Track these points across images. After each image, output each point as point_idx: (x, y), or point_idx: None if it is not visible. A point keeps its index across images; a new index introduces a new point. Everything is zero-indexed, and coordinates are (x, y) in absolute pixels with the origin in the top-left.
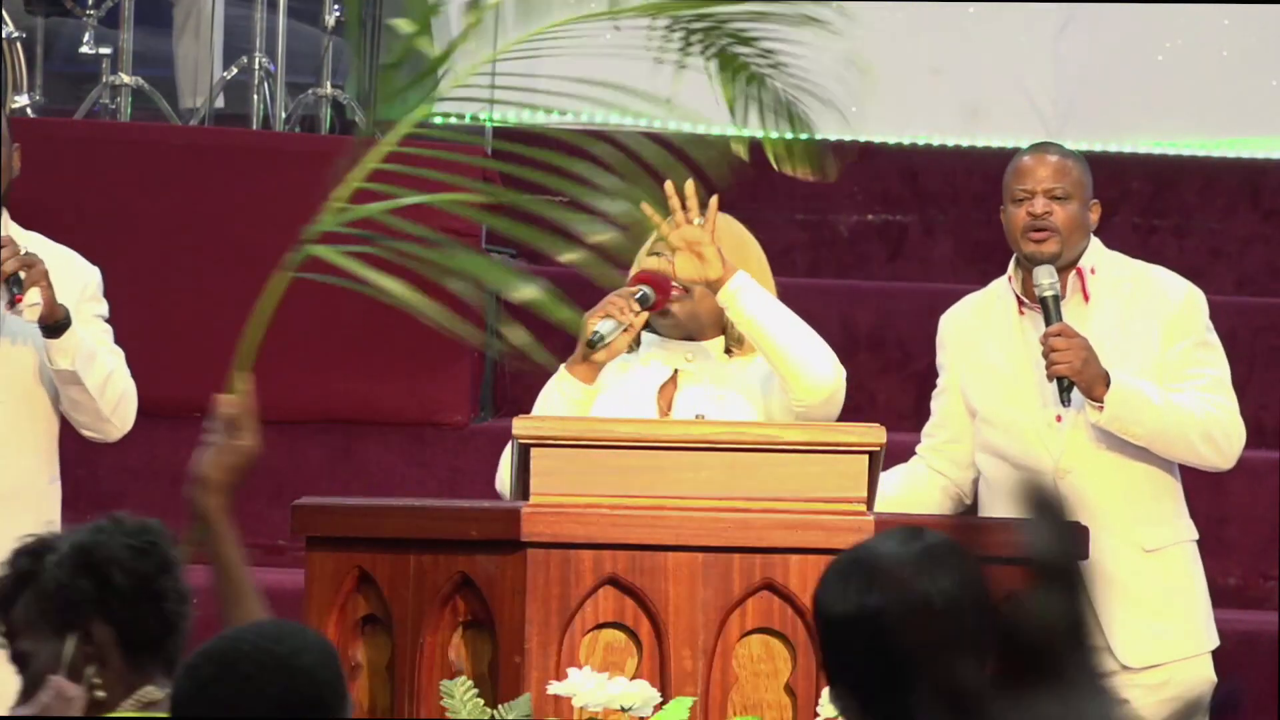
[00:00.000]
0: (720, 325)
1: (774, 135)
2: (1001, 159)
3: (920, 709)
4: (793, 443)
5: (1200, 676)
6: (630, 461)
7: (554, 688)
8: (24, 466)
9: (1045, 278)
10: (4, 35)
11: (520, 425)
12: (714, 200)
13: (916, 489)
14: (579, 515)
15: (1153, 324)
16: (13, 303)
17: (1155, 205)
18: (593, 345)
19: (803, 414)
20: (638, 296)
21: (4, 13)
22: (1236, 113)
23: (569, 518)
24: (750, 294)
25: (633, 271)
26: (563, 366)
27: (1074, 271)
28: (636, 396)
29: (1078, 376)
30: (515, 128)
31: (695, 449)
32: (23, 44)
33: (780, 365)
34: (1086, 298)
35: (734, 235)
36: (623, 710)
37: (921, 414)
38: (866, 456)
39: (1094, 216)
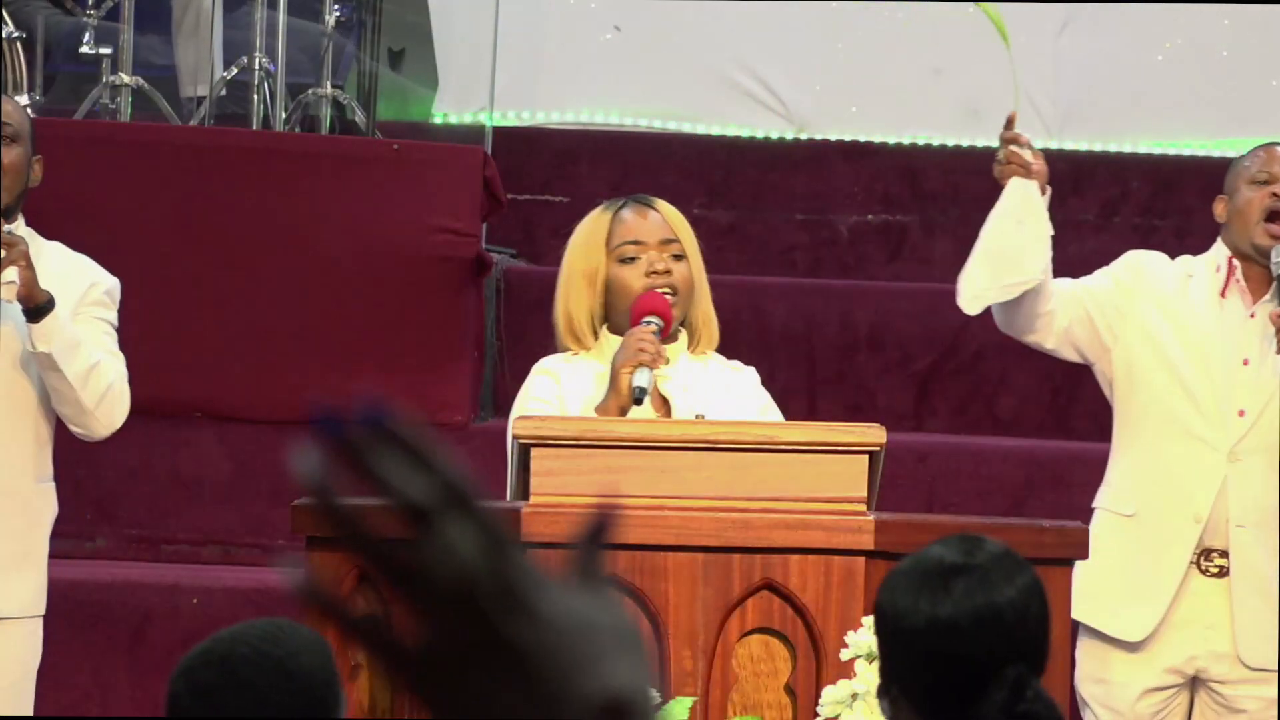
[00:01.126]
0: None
1: None
2: None
3: (984, 717)
4: (793, 443)
5: None
6: (630, 461)
7: None
8: (13, 463)
9: None
10: (4, 35)
11: (520, 425)
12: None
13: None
14: (579, 515)
15: None
16: None
17: (1155, 205)
18: (639, 402)
19: None
20: (655, 333)
21: (4, 13)
22: (1236, 113)
23: (569, 518)
24: None
25: (588, 271)
26: (595, 410)
27: None
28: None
29: None
30: (515, 128)
31: (695, 449)
32: (23, 44)
33: None
34: None
35: (682, 218)
36: None
37: (922, 414)
38: (866, 456)
39: None
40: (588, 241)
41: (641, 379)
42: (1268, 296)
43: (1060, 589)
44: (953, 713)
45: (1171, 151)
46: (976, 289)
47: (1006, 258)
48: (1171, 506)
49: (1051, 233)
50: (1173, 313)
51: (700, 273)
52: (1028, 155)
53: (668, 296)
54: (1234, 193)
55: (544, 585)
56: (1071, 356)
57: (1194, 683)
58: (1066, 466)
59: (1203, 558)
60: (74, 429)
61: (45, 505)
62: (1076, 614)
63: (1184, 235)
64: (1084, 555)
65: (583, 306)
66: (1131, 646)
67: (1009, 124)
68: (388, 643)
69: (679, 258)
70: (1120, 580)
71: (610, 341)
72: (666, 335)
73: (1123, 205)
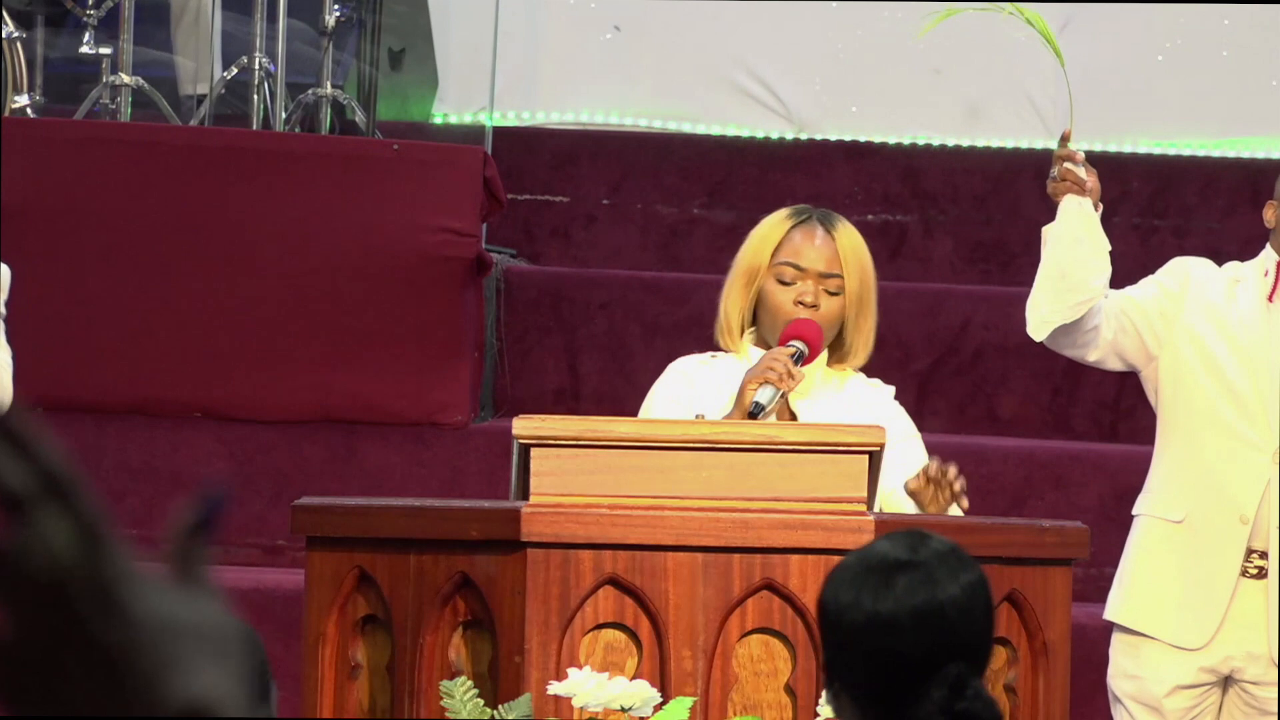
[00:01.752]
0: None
1: None
2: (1001, 159)
3: (923, 715)
4: (793, 443)
5: None
6: (630, 461)
7: (554, 688)
8: None
9: None
10: (4, 35)
11: (520, 425)
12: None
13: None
14: (579, 515)
15: None
16: None
17: (1155, 205)
18: (754, 417)
19: None
20: (794, 356)
21: (4, 13)
22: (1236, 113)
23: (569, 518)
24: None
25: (748, 270)
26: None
27: None
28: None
29: None
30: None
31: (695, 449)
32: (23, 44)
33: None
34: None
35: (862, 250)
36: (623, 710)
37: (922, 414)
38: (866, 456)
39: None
40: (760, 244)
41: (763, 395)
42: None
43: (1060, 589)
44: (892, 710)
45: (1171, 151)
46: (1043, 313)
47: (1070, 278)
48: (1219, 510)
49: (1109, 247)
50: (1219, 317)
51: (865, 297)
52: (1082, 172)
53: (821, 332)
54: None
55: (139, 582)
56: (1116, 366)
57: (1226, 681)
58: (1066, 466)
59: (1244, 559)
60: None
61: None
62: (1130, 622)
63: (1184, 235)
64: (1084, 555)
65: (736, 306)
66: (1169, 644)
67: (1063, 140)
68: None
69: (834, 294)
70: (1176, 586)
71: (750, 350)
72: (808, 363)
73: (1123, 205)
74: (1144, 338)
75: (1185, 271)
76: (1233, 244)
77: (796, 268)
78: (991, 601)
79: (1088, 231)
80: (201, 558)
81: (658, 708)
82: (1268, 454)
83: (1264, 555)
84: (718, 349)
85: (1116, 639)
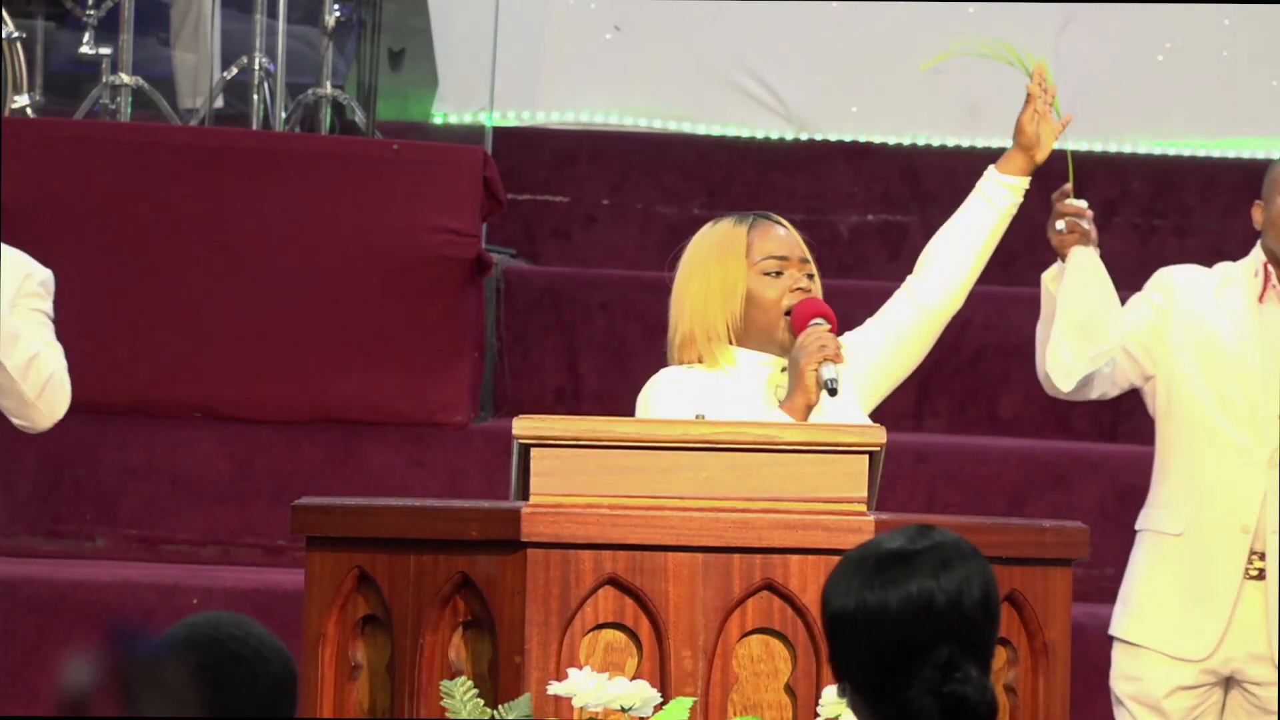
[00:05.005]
0: None
1: None
2: None
3: (917, 705)
4: (793, 443)
5: None
6: (630, 461)
7: (554, 688)
8: None
9: None
10: (4, 35)
11: (520, 425)
12: (1068, 118)
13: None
14: (579, 515)
15: None
16: None
17: (1155, 205)
18: (834, 393)
19: (930, 317)
20: (828, 330)
21: (4, 13)
22: (1236, 113)
23: (569, 518)
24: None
25: (730, 282)
26: (780, 408)
27: None
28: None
29: None
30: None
31: (695, 449)
32: (23, 44)
33: (978, 262)
34: None
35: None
36: (623, 710)
37: (922, 414)
38: (866, 456)
39: None
40: (725, 253)
41: (829, 372)
42: None
43: (1061, 589)
44: (889, 701)
45: (1171, 151)
46: (1067, 364)
47: (1089, 328)
48: (1218, 521)
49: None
50: (1207, 326)
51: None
52: (1086, 224)
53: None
54: (1269, 200)
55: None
56: (1118, 391)
57: (1228, 681)
58: (1066, 466)
59: (1246, 561)
60: (16, 421)
61: None
62: (1133, 636)
63: (1184, 235)
64: (1084, 555)
65: (721, 318)
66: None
67: (1064, 195)
68: None
69: (810, 277)
70: (1177, 600)
71: (744, 356)
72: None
73: (1123, 205)
74: (1139, 360)
75: (1169, 283)
76: (1233, 244)
77: (780, 259)
78: (992, 593)
79: (1100, 282)
80: (146, 675)
81: (658, 708)
82: (1262, 460)
83: (1263, 556)
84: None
85: (1118, 645)
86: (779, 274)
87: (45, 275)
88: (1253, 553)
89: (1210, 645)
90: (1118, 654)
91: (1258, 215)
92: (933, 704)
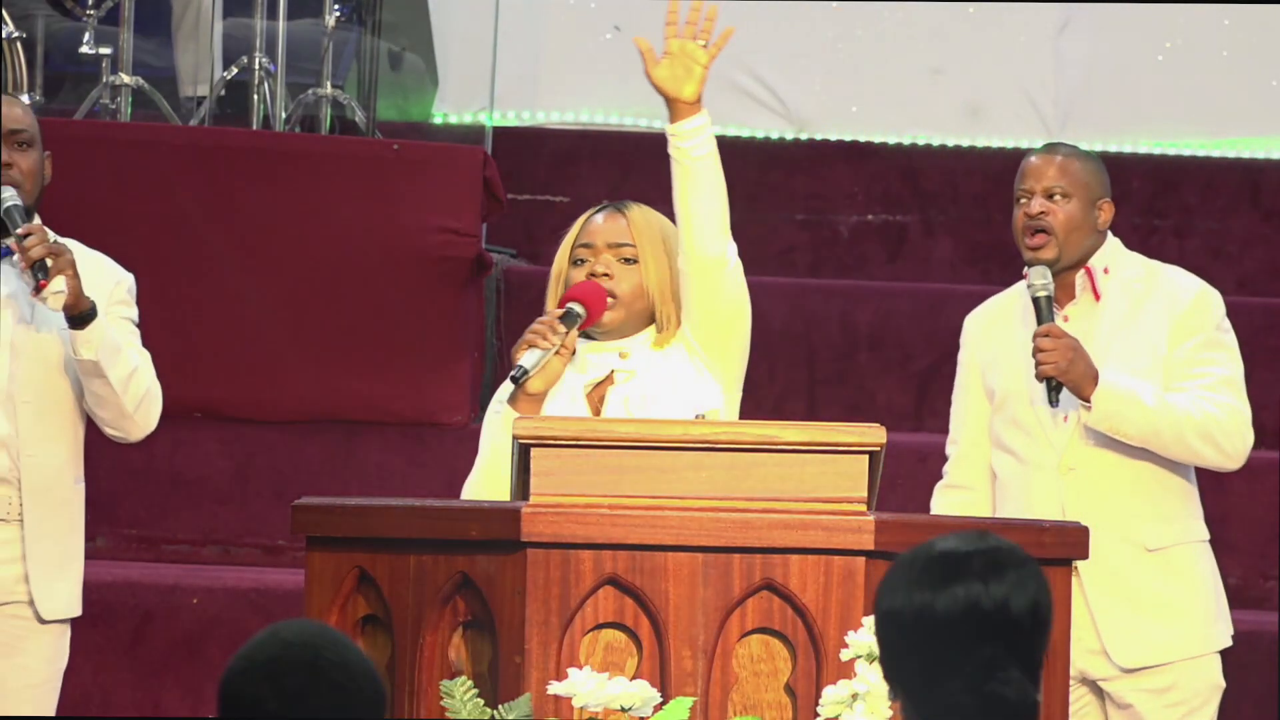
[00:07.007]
0: (649, 316)
1: None
2: (1001, 159)
3: (956, 702)
4: (793, 443)
5: (1206, 680)
6: (630, 461)
7: (554, 688)
8: (53, 464)
9: (1039, 278)
10: (4, 35)
11: (520, 425)
12: (728, 31)
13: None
14: (579, 515)
15: (1161, 322)
16: (37, 289)
17: (1155, 205)
18: (516, 381)
19: (691, 275)
20: (562, 317)
21: (4, 13)
22: (1236, 113)
23: (569, 518)
24: (710, 137)
25: (556, 272)
26: (505, 404)
27: (1083, 270)
28: (566, 401)
29: (1064, 376)
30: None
31: (695, 449)
32: (23, 44)
33: (689, 213)
34: (1097, 296)
35: (656, 224)
36: (623, 710)
37: (922, 414)
38: (866, 456)
39: (1104, 216)
40: (563, 245)
41: (528, 360)
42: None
43: (1060, 589)
44: (931, 702)
45: (1171, 151)
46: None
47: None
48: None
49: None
50: (998, 355)
51: (667, 265)
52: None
53: (607, 297)
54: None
55: None
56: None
57: (1100, 693)
58: None
59: None
60: (109, 431)
61: (80, 506)
62: None
63: (1184, 235)
64: (1084, 555)
65: (551, 307)
66: None
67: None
68: None
69: (630, 261)
70: None
71: (581, 344)
72: (589, 325)
73: (1123, 205)
74: (983, 417)
75: (963, 337)
76: (1232, 244)
77: (586, 245)
78: (1043, 601)
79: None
80: None
81: (658, 708)
82: (1052, 467)
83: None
84: None
85: None
86: (583, 262)
87: (130, 281)
88: None
89: None
90: None
91: (1104, 215)
92: (972, 702)
